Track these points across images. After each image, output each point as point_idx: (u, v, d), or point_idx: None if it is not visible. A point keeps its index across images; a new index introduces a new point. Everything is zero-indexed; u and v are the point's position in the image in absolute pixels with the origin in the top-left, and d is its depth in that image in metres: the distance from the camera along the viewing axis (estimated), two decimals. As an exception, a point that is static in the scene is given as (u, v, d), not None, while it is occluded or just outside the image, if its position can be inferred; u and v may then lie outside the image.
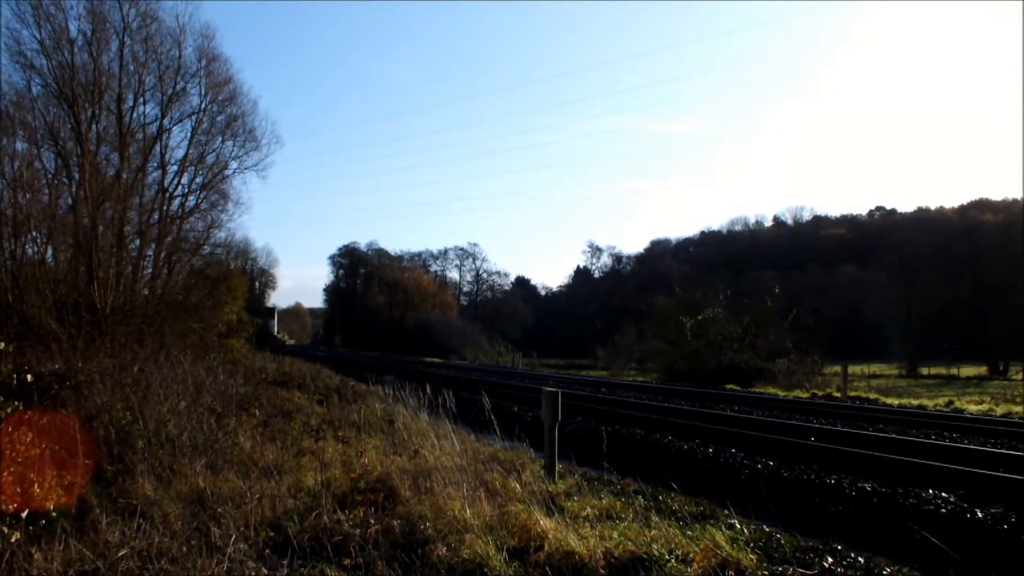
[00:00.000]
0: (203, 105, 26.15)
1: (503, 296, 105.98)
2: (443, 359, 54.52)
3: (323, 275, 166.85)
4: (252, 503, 5.80)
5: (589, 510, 5.87)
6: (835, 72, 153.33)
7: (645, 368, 40.22)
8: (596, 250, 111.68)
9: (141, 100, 24.37)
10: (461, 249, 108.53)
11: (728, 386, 24.32)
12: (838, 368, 27.81)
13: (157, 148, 25.34)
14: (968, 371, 54.61)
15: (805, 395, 21.05)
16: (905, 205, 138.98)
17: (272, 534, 5.19)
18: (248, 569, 4.49)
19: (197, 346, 19.02)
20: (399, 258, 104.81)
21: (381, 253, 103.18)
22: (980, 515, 6.02)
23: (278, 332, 78.48)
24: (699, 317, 31.39)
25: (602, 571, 4.48)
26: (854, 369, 38.33)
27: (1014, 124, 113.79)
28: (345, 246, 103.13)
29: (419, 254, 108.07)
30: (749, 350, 29.65)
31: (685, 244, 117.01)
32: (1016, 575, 5.35)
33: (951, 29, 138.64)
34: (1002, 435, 11.23)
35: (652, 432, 11.18)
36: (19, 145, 20.98)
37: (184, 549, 4.73)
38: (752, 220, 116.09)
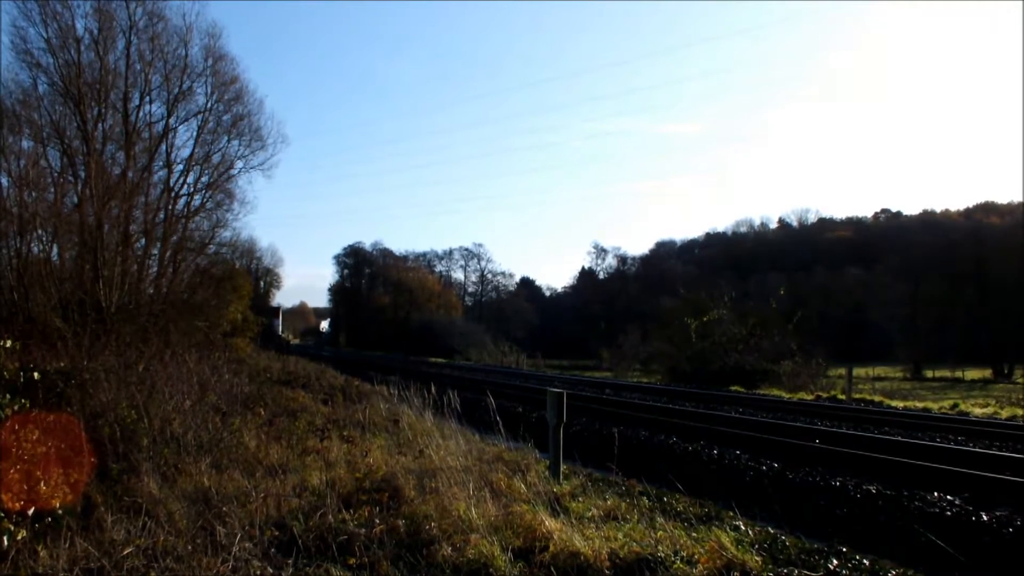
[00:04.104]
0: (209, 104, 26.14)
1: (508, 297, 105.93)
2: (448, 359, 54.49)
3: (328, 275, 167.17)
4: (257, 502, 5.81)
5: (594, 511, 5.87)
6: (841, 74, 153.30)
7: (649, 369, 40.16)
8: (601, 251, 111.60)
9: (147, 99, 24.41)
10: (466, 249, 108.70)
11: (733, 388, 24.25)
12: (843, 370, 27.72)
13: (163, 147, 25.37)
14: (973, 374, 54.51)
15: (810, 397, 20.98)
16: (910, 208, 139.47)
17: (277, 533, 5.20)
18: (253, 568, 4.50)
19: (202, 345, 19.03)
20: (404, 258, 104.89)
21: (386, 253, 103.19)
22: (985, 518, 6.00)
23: (283, 331, 78.73)
24: (704, 319, 31.28)
25: (607, 572, 4.47)
26: (859, 371, 38.26)
27: (1018, 127, 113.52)
28: (350, 246, 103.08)
29: (424, 254, 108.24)
30: (754, 352, 29.56)
31: (690, 245, 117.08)
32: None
33: (957, 31, 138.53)
34: (1007, 438, 11.18)
35: (657, 433, 11.16)
36: (25, 143, 21.04)
37: (189, 548, 4.74)
38: (757, 222, 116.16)
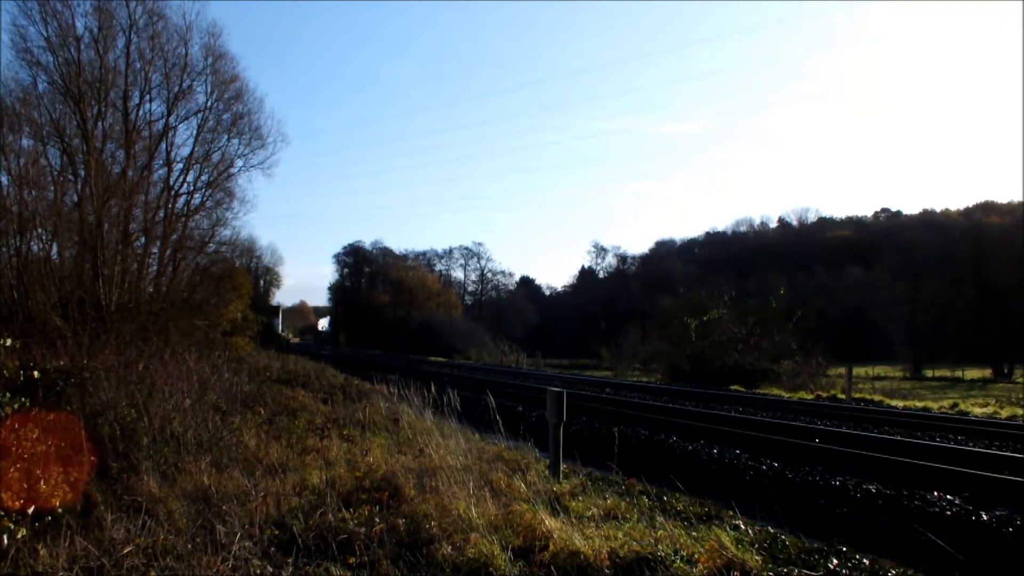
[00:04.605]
0: (209, 103, 26.03)
1: (508, 296, 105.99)
2: (447, 358, 54.51)
3: (328, 274, 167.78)
4: (257, 501, 5.81)
5: (594, 510, 5.86)
6: (841, 73, 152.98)
7: (649, 369, 40.16)
8: (601, 250, 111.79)
9: (147, 97, 24.33)
10: (466, 248, 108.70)
11: (732, 387, 24.25)
12: (842, 370, 27.71)
13: (163, 146, 25.29)
14: (972, 373, 54.56)
15: (810, 396, 20.99)
16: (910, 207, 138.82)
17: (277, 532, 5.19)
18: (253, 567, 4.49)
19: (202, 344, 19.04)
20: (404, 257, 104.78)
21: (386, 252, 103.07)
22: (985, 517, 6.00)
23: (282, 330, 78.71)
24: (704, 318, 31.29)
25: (607, 571, 4.47)
26: (858, 371, 38.24)
27: (1018, 127, 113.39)
28: (350, 245, 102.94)
29: (424, 253, 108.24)
30: (754, 351, 29.58)
31: (690, 245, 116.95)
32: (1022, 578, 5.34)
33: (957, 31, 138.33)
34: (1007, 438, 11.19)
35: (657, 432, 11.16)
36: (25, 142, 21.04)
37: (189, 547, 4.74)
38: (757, 221, 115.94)
